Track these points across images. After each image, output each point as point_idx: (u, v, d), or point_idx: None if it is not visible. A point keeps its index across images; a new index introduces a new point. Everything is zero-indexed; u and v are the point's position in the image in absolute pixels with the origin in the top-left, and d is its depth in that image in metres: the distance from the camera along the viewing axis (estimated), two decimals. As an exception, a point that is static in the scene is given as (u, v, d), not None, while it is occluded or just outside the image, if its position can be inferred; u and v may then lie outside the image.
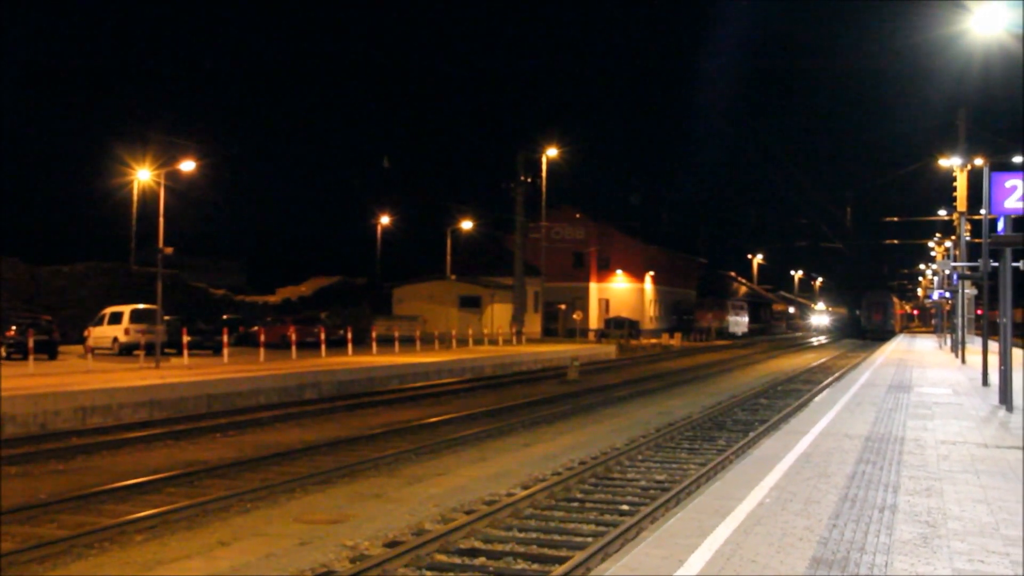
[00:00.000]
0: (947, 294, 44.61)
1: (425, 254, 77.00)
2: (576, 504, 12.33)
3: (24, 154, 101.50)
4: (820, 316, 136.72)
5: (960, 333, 35.44)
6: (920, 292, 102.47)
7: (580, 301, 75.99)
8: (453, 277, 64.19)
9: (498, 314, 60.85)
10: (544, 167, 59.65)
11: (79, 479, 13.82)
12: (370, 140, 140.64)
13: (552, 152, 59.51)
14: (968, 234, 33.23)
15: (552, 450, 16.82)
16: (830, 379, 32.56)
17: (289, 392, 25.23)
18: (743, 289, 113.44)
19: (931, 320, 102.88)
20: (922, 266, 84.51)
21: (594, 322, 75.84)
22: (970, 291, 35.52)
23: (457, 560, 9.55)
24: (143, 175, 46.18)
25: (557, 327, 70.18)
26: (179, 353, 31.71)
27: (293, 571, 9.08)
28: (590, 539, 10.26)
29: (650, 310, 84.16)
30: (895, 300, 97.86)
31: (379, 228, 73.31)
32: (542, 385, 31.56)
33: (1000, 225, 17.37)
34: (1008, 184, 16.16)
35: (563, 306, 71.03)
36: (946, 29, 21.15)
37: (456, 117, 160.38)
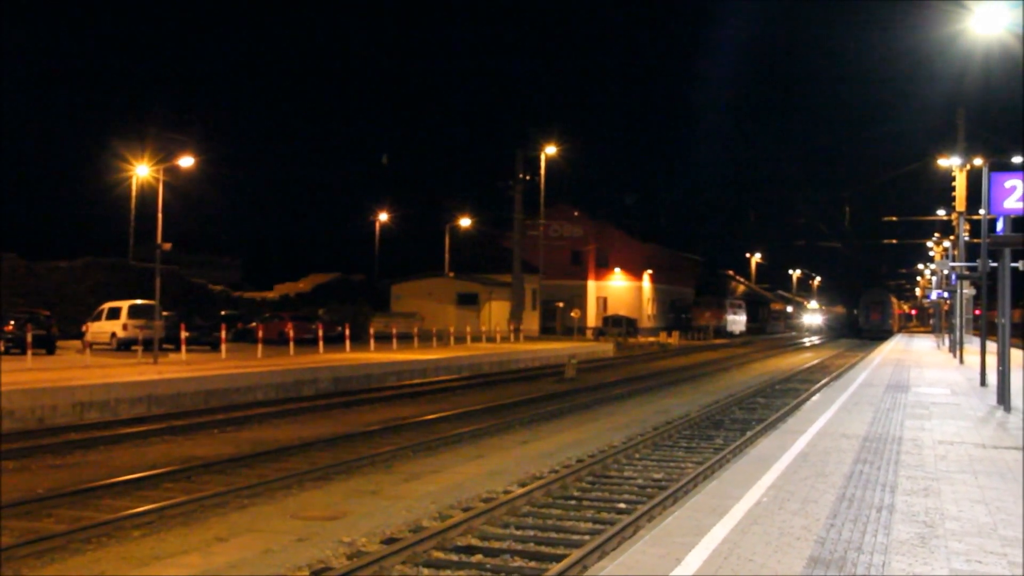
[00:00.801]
0: (945, 294, 44.62)
1: (423, 251, 77.12)
2: (573, 502, 12.33)
3: (23, 150, 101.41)
4: (813, 315, 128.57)
5: (958, 333, 35.47)
6: (918, 292, 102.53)
7: (578, 299, 76.02)
8: (451, 274, 64.23)
9: (496, 311, 60.88)
10: (543, 165, 59.66)
11: (77, 474, 13.81)
12: (369, 137, 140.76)
13: (551, 150, 59.51)
14: (967, 234, 33.25)
15: (549, 448, 16.82)
16: (828, 378, 32.57)
17: (287, 388, 25.23)
18: (741, 288, 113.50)
19: (929, 320, 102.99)
20: (920, 266, 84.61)
21: (592, 320, 75.88)
22: (968, 291, 35.54)
23: (454, 557, 9.55)
24: (142, 171, 46.16)
25: (555, 325, 70.21)
26: (177, 349, 31.69)
27: (290, 567, 9.08)
28: (587, 537, 10.26)
29: (648, 308, 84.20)
30: (893, 300, 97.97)
31: (377, 225, 73.33)
32: (540, 383, 31.55)
33: (999, 225, 17.37)
34: (1007, 184, 16.17)
35: (561, 304, 71.03)
36: (946, 28, 21.17)
37: (455, 115, 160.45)
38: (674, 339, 67.97)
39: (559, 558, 9.30)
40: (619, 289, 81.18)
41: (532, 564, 9.33)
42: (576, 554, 9.12)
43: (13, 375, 21.71)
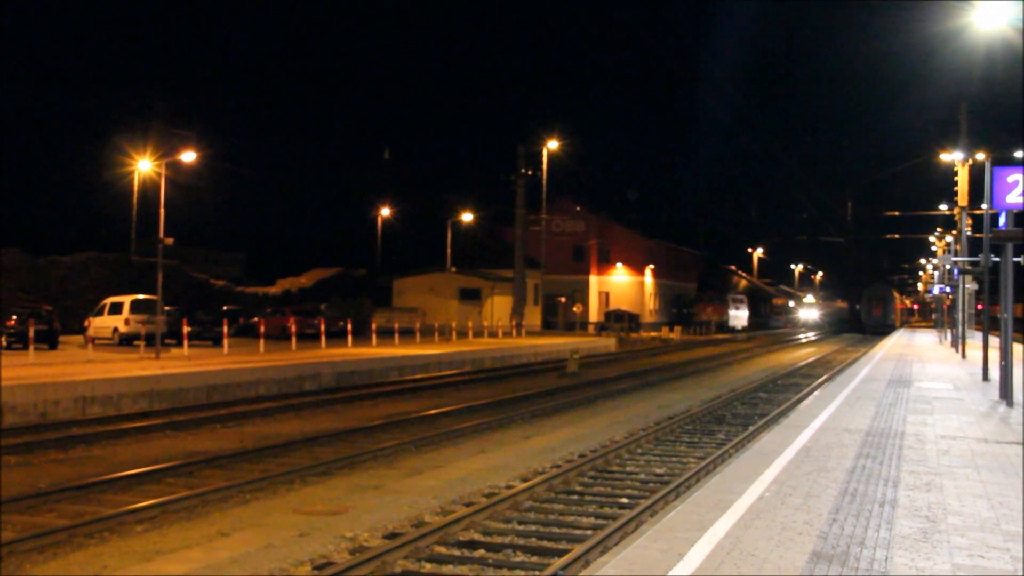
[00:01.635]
0: (948, 289, 44.62)
1: (425, 246, 77.09)
2: (575, 497, 12.33)
3: (25, 144, 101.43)
4: (808, 310, 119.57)
5: (960, 328, 35.45)
6: (920, 287, 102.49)
7: (580, 294, 76.01)
8: (453, 269, 64.19)
9: (498, 307, 60.86)
10: (545, 160, 59.61)
11: (79, 469, 13.83)
12: (371, 132, 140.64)
13: (553, 145, 59.45)
14: (969, 229, 33.22)
15: (551, 443, 16.83)
16: (830, 373, 32.55)
17: (289, 383, 25.25)
18: (743, 283, 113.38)
19: (931, 315, 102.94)
20: (923, 261, 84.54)
21: (594, 315, 75.86)
22: (971, 286, 35.54)
23: (456, 552, 9.55)
24: (144, 166, 46.17)
25: (557, 320, 70.20)
26: (179, 344, 31.71)
27: (292, 562, 9.09)
28: (589, 532, 10.27)
29: (650, 303, 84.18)
30: (895, 295, 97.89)
31: (379, 220, 73.29)
32: (542, 378, 31.56)
33: (1001, 220, 17.35)
34: (1010, 179, 16.17)
35: (563, 299, 71.04)
36: (948, 24, 21.11)
37: (457, 110, 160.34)
38: (676, 334, 67.95)
39: (561, 553, 9.30)
40: (621, 284, 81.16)
41: (534, 559, 9.33)
42: (578, 549, 9.12)
43: (15, 370, 21.73)
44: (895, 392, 19.62)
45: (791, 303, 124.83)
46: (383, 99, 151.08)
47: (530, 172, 59.17)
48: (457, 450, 16.00)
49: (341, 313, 46.44)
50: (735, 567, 6.46)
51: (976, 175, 31.70)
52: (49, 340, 31.53)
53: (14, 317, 32.16)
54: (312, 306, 51.85)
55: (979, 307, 42.92)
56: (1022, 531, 7.57)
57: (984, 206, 19.54)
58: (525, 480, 13.00)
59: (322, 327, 37.72)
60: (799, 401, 22.60)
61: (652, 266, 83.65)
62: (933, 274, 61.44)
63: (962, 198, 33.19)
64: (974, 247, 31.70)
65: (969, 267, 27.31)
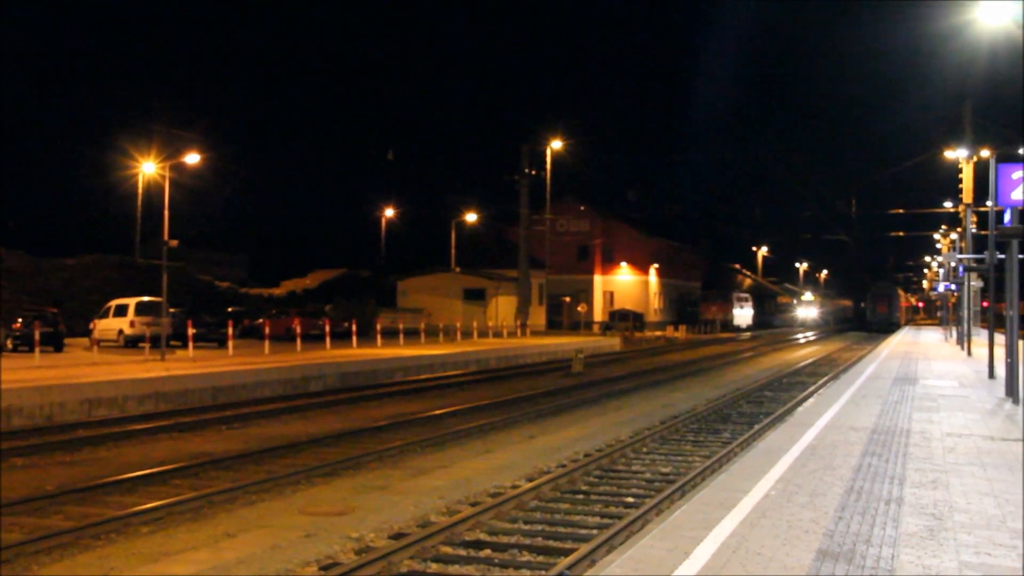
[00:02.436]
0: (953, 286, 44.56)
1: (429, 247, 77.11)
2: (581, 496, 12.33)
3: (29, 146, 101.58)
4: (807, 308, 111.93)
5: (966, 325, 35.39)
6: (926, 284, 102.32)
7: (584, 294, 75.96)
8: (457, 269, 64.18)
9: (502, 306, 60.86)
10: (548, 160, 59.61)
11: (85, 471, 13.86)
12: (375, 133, 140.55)
13: (556, 145, 59.45)
14: (974, 226, 33.20)
15: (557, 442, 16.82)
16: (835, 371, 32.52)
17: (294, 384, 25.27)
18: (748, 282, 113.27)
19: (936, 312, 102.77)
20: (928, 258, 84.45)
21: (598, 314, 75.83)
22: (976, 283, 35.46)
23: (462, 552, 9.55)
24: (148, 168, 46.24)
25: (561, 319, 70.16)
26: (184, 345, 31.75)
27: (299, 563, 9.09)
28: (595, 531, 10.26)
29: (655, 302, 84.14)
30: (900, 292, 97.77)
31: (383, 221, 73.35)
32: (546, 378, 31.55)
33: (1006, 217, 17.31)
34: (1014, 176, 16.13)
35: (567, 299, 70.96)
36: (952, 21, 21.09)
37: (460, 110, 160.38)
38: (681, 333, 67.91)
39: (567, 552, 9.30)
40: (626, 283, 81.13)
41: (540, 558, 9.33)
42: (584, 548, 9.12)
43: (21, 372, 21.79)
44: (901, 390, 19.59)
45: (795, 301, 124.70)
46: (387, 100, 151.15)
47: (534, 172, 59.19)
48: (462, 450, 16.00)
49: (346, 314, 46.48)
50: (741, 566, 6.45)
51: (981, 172, 31.66)
52: (54, 342, 31.63)
53: (20, 320, 32.30)
54: (317, 307, 51.93)
55: (984, 304, 42.88)
56: (1029, 528, 7.55)
57: (989, 203, 19.50)
58: (531, 480, 13.00)
59: (327, 328, 37.73)
60: (804, 399, 22.58)
61: (656, 265, 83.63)
62: (938, 271, 61.38)
63: (967, 195, 33.14)
64: (979, 244, 31.69)
65: (974, 264, 27.27)
